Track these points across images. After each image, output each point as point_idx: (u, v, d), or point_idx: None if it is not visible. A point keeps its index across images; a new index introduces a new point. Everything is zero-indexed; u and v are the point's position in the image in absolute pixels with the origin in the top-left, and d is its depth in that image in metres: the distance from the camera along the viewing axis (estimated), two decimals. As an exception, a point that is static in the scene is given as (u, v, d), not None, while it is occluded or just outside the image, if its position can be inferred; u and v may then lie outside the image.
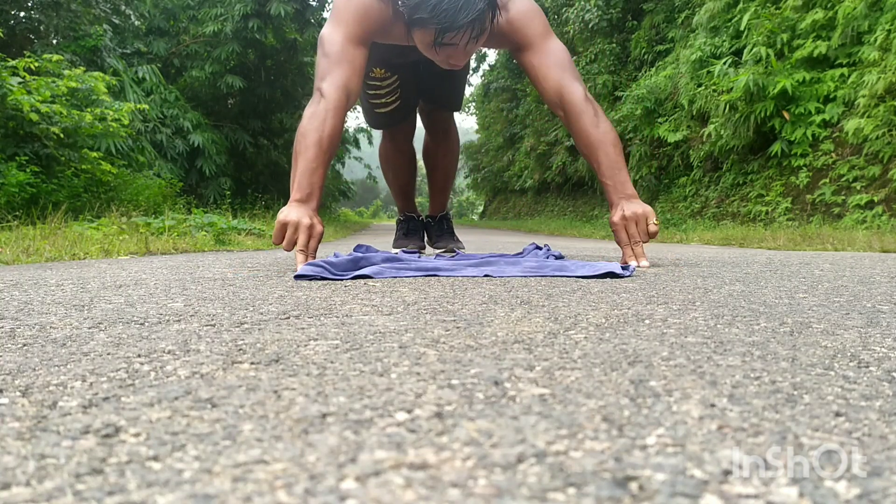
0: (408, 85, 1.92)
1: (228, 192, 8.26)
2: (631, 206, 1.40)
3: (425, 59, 1.80)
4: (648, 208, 1.40)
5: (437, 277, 1.14)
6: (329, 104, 1.39)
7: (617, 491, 0.25)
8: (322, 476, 0.26)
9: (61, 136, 4.35)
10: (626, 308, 0.75)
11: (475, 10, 1.33)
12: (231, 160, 9.53)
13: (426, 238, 2.25)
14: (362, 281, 1.09)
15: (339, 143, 1.43)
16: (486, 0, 1.36)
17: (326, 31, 1.45)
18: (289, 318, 0.68)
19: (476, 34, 1.37)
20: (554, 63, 1.51)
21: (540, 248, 1.63)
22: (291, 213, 1.27)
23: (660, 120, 7.36)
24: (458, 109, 2.19)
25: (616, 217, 1.41)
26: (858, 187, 4.42)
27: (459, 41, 1.37)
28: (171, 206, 5.27)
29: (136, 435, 0.32)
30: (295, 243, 1.26)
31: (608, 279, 1.11)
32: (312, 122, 1.37)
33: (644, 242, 1.40)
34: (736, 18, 6.18)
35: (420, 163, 2.32)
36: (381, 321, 0.66)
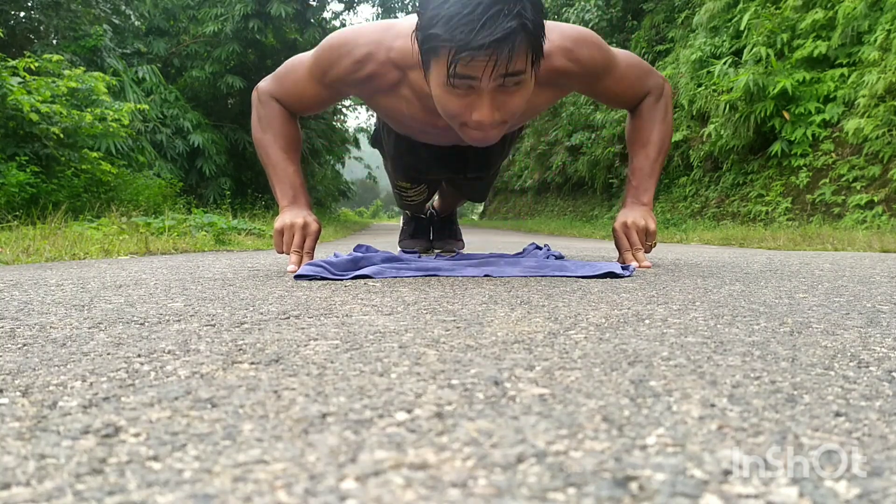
0: (435, 186, 1.88)
1: (228, 192, 8.26)
2: (637, 215, 1.35)
3: (454, 176, 1.67)
4: (653, 225, 1.34)
5: (437, 277, 1.14)
6: (267, 108, 1.31)
7: (617, 491, 0.25)
8: (322, 476, 0.26)
9: (61, 136, 4.35)
10: (626, 308, 0.75)
11: (503, 28, 0.94)
12: (231, 160, 9.53)
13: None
14: (362, 281, 1.09)
15: (298, 132, 1.35)
16: (521, 20, 0.96)
17: (294, 58, 1.32)
18: (289, 318, 0.68)
19: (505, 62, 0.97)
20: (634, 80, 1.32)
21: (540, 248, 1.63)
22: (285, 217, 1.27)
23: (660, 120, 7.35)
24: (482, 201, 2.12)
25: (618, 224, 1.36)
26: (858, 187, 4.42)
27: (481, 72, 0.98)
28: (171, 206, 5.27)
29: (136, 435, 0.32)
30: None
31: (608, 279, 1.11)
32: (262, 129, 1.31)
33: (645, 252, 1.36)
34: (736, 18, 6.17)
35: None
36: (381, 321, 0.66)
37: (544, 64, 1.10)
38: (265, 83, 1.35)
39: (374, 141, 1.80)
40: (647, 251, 1.38)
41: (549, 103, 1.32)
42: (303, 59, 1.30)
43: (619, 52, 1.30)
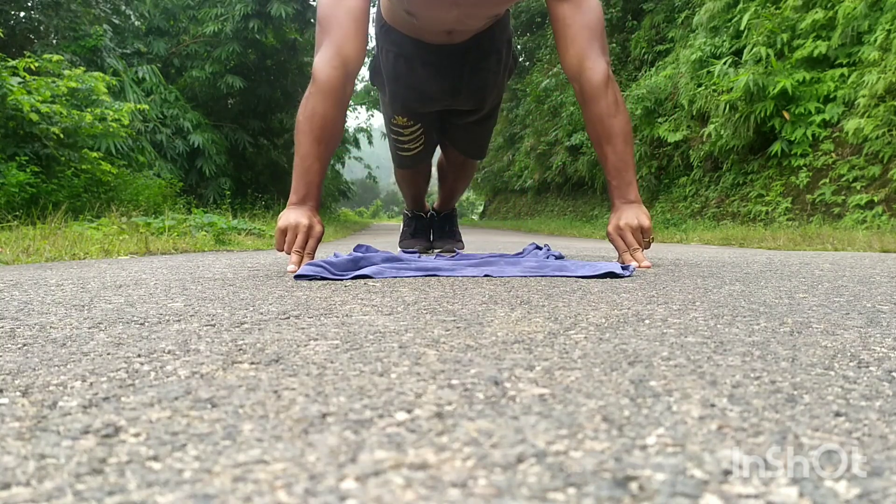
0: (431, 133, 1.88)
1: (228, 192, 8.26)
2: (629, 215, 1.34)
3: (450, 108, 1.74)
4: (647, 222, 1.33)
5: (437, 277, 1.14)
6: (319, 86, 1.25)
7: (617, 491, 0.25)
8: (322, 476, 0.26)
9: (61, 136, 4.35)
10: (626, 308, 0.75)
11: None
12: (231, 160, 9.53)
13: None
14: (362, 281, 1.09)
15: (340, 130, 1.30)
16: None
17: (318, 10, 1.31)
18: (289, 318, 0.68)
19: None
20: (586, 24, 1.35)
21: (540, 248, 1.63)
22: (290, 216, 1.25)
23: (660, 120, 7.36)
24: (481, 159, 2.10)
25: (611, 227, 1.36)
26: (858, 187, 4.42)
27: None
28: (171, 206, 5.27)
29: (136, 435, 0.32)
30: None
31: (608, 279, 1.11)
32: (304, 111, 1.26)
33: (643, 249, 1.36)
34: (736, 18, 6.17)
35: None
36: (381, 321, 0.66)
37: None
38: (317, 56, 1.30)
39: (373, 73, 1.85)
40: (647, 247, 1.37)
41: None
42: None
43: None
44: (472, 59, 1.65)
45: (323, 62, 1.26)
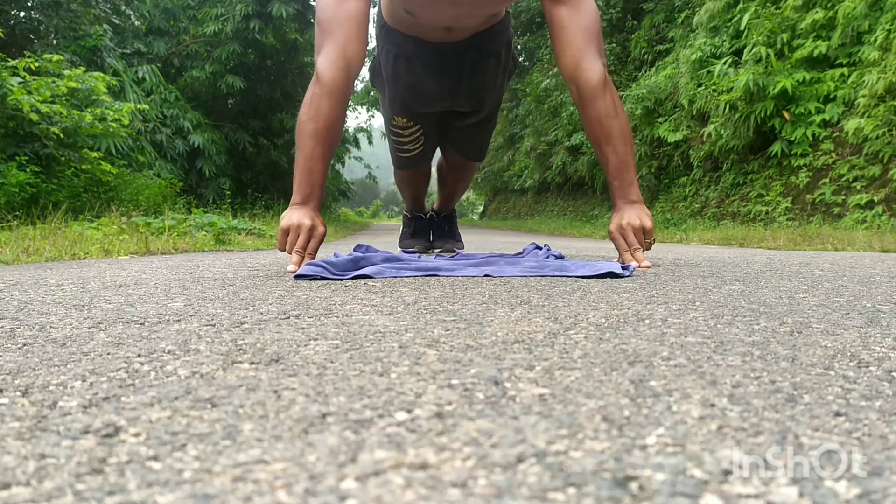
0: (431, 135, 1.88)
1: (228, 192, 8.26)
2: (631, 215, 1.34)
3: (450, 110, 1.74)
4: (648, 222, 1.33)
5: (437, 277, 1.14)
6: (324, 87, 1.26)
7: (617, 491, 0.25)
8: (322, 476, 0.26)
9: (61, 136, 4.35)
10: (626, 308, 0.75)
11: None
12: (231, 160, 9.53)
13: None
14: (362, 281, 1.09)
15: (341, 130, 1.31)
16: None
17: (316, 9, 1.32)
18: (289, 317, 0.68)
19: None
20: (582, 27, 1.34)
21: (540, 248, 1.63)
22: (292, 216, 1.25)
23: (660, 120, 7.36)
24: (481, 161, 2.10)
25: (613, 226, 1.36)
26: (858, 187, 4.42)
27: None
28: (171, 206, 5.27)
29: (136, 435, 0.32)
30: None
31: (608, 279, 1.11)
32: (308, 111, 1.27)
33: (644, 249, 1.36)
34: (736, 18, 6.17)
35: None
36: (381, 321, 0.66)
37: None
38: (318, 58, 1.31)
39: (373, 74, 1.85)
40: (647, 248, 1.37)
41: None
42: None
43: None
44: (472, 59, 1.65)
45: (327, 63, 1.27)
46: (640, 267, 1.32)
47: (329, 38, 1.29)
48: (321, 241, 1.27)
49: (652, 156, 7.60)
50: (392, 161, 1.99)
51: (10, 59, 4.43)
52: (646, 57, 8.97)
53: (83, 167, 4.57)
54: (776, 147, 5.22)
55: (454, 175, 2.12)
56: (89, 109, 4.83)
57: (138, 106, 6.13)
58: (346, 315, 0.70)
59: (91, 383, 0.42)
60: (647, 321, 0.66)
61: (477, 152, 2.01)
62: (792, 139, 5.12)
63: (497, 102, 1.86)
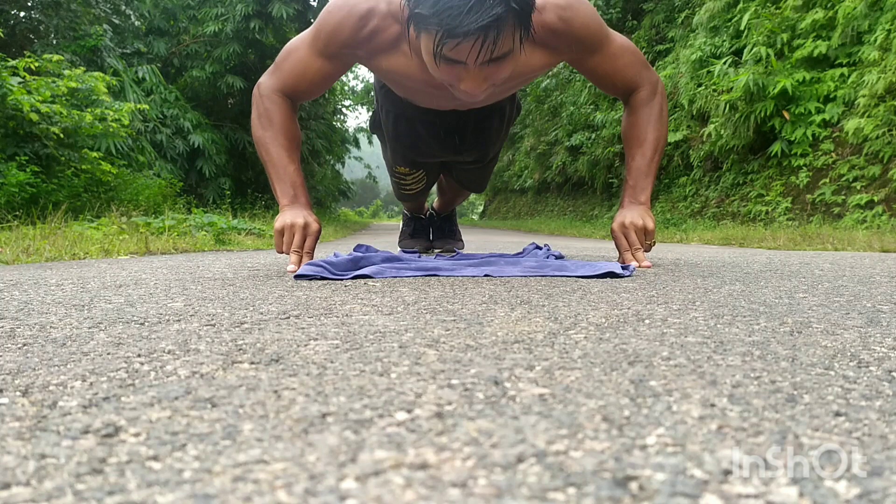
0: (433, 173, 1.87)
1: (228, 192, 8.26)
2: (634, 215, 1.35)
3: (452, 158, 1.69)
4: (651, 224, 1.35)
5: (437, 277, 1.14)
6: (269, 101, 1.29)
7: (617, 491, 0.25)
8: (322, 476, 0.26)
9: (61, 136, 4.35)
10: (626, 308, 0.75)
11: (489, 15, 0.95)
12: (231, 160, 9.53)
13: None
14: (362, 281, 1.09)
15: (297, 132, 1.33)
16: (508, 4, 0.97)
17: (290, 42, 1.32)
18: (289, 317, 0.68)
19: (490, 48, 1.00)
20: (626, 65, 1.33)
21: (540, 248, 1.63)
22: (285, 217, 1.26)
23: (660, 120, 7.34)
24: (481, 192, 2.11)
25: (616, 224, 1.37)
26: (858, 187, 4.42)
27: (466, 56, 1.01)
28: (171, 206, 5.27)
29: (136, 435, 0.32)
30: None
31: (608, 279, 1.11)
32: (259, 126, 1.30)
33: (645, 251, 1.37)
34: (736, 18, 6.17)
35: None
36: (381, 321, 0.66)
37: (536, 18, 1.10)
38: (265, 78, 1.34)
39: (374, 125, 1.83)
40: (647, 250, 1.38)
41: (541, 68, 1.30)
42: (301, 37, 1.30)
43: (615, 33, 1.34)
44: (475, 118, 1.59)
45: (270, 90, 1.30)
46: (640, 267, 1.32)
47: (286, 77, 1.30)
48: (317, 238, 1.27)
49: (652, 156, 7.58)
50: (393, 192, 1.99)
51: (10, 59, 4.43)
52: (646, 57, 8.96)
53: (83, 167, 4.57)
54: (776, 147, 5.22)
55: (454, 192, 2.14)
56: (89, 109, 4.83)
57: (138, 106, 6.12)
58: (346, 315, 0.70)
59: (91, 383, 0.42)
60: (647, 321, 0.66)
61: (478, 186, 2.01)
62: (792, 139, 5.12)
63: (500, 146, 1.83)
